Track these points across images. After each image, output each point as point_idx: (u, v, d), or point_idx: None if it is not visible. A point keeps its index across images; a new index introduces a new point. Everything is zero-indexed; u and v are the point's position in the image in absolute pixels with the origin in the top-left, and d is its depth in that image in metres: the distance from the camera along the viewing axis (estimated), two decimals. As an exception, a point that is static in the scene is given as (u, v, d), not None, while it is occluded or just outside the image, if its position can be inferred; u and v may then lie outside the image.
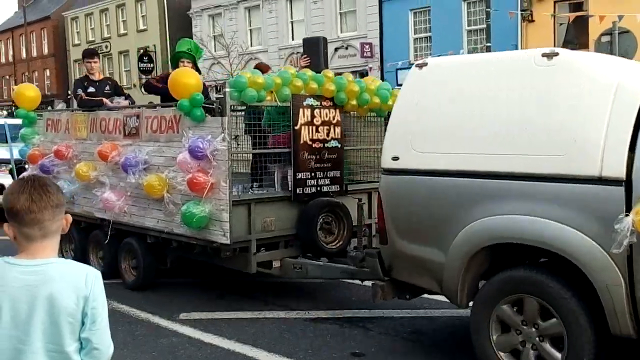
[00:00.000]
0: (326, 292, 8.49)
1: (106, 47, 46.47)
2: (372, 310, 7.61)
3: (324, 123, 8.00)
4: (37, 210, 2.54)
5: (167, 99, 8.17)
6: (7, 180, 14.98)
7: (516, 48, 29.72)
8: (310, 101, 7.87)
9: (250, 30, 38.28)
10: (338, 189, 8.20)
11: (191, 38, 40.14)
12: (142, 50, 41.15)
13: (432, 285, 5.93)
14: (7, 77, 57.11)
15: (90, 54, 9.89)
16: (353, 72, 36.02)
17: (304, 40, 8.60)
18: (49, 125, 10.18)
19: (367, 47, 33.24)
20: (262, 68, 9.47)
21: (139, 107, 8.93)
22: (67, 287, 2.57)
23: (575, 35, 29.02)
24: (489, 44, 25.53)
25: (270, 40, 37.08)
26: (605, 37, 19.70)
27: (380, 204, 6.21)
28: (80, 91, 9.45)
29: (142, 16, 43.48)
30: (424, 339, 6.78)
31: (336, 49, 34.20)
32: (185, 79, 7.58)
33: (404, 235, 6.02)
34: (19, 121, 16.60)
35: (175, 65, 8.86)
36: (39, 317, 2.53)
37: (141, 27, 43.56)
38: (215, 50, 38.73)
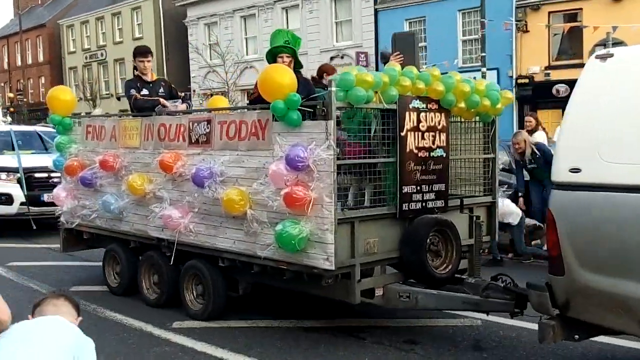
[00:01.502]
0: (319, 301, 7.22)
1: (102, 54, 44.49)
2: (366, 319, 7.07)
3: (429, 129, 6.51)
4: None
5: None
6: (14, 190, 13.27)
7: (511, 58, 28.70)
8: (416, 103, 6.39)
9: (246, 38, 36.71)
10: (442, 205, 6.70)
11: (186, 47, 38.65)
12: (137, 59, 39.20)
13: (633, 329, 4.47)
14: (2, 84, 54.67)
15: (143, 52, 8.28)
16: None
17: (395, 35, 7.12)
18: (89, 132, 8.55)
19: (362, 56, 32.00)
20: (328, 70, 7.96)
21: (209, 111, 7.33)
22: None
23: (570, 46, 28.05)
24: (483, 54, 24.42)
25: (266, 49, 35.30)
26: (599, 48, 18.63)
27: (552, 226, 4.75)
28: (133, 91, 7.86)
29: (138, 24, 41.56)
30: (418, 349, 6.22)
31: (332, 58, 32.90)
32: (279, 77, 6.05)
33: (589, 265, 4.56)
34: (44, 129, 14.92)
35: (272, 62, 7.27)
36: None
37: (137, 35, 41.63)
38: (210, 59, 37.11)
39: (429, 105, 6.48)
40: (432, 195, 6.57)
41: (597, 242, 4.51)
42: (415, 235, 6.31)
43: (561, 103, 21.38)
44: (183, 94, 9.07)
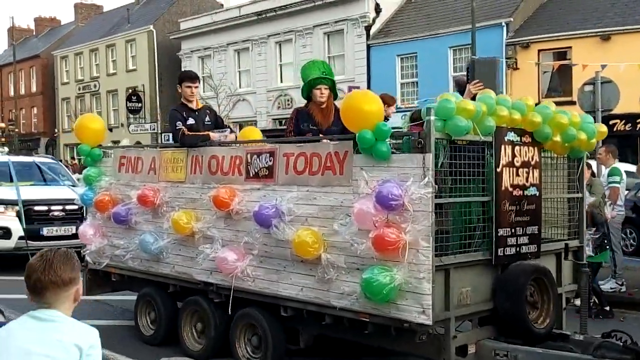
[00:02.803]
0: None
1: (95, 86, 43.18)
2: None
3: (523, 164, 5.60)
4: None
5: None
6: (12, 224, 12.06)
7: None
8: (511, 136, 5.49)
9: (239, 72, 35.76)
10: (535, 250, 5.76)
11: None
12: (130, 90, 38.07)
13: None
14: (-5, 114, 53.11)
15: (193, 77, 7.25)
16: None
17: (474, 60, 6.24)
18: (123, 164, 7.51)
19: (354, 90, 31.17)
20: (387, 100, 7.06)
21: (273, 142, 6.34)
22: None
23: (559, 84, 27.57)
24: None
25: (259, 83, 34.64)
26: (588, 86, 18.02)
27: None
28: (180, 124, 6.80)
29: (132, 56, 40.36)
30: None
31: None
32: (366, 105, 5.13)
33: None
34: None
35: (308, 95, 6.36)
36: None
37: (130, 67, 40.45)
38: (204, 91, 36.11)
39: (523, 139, 5.58)
40: (526, 239, 5.64)
41: None
42: (513, 284, 5.36)
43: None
44: (228, 124, 8.09)
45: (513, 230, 5.50)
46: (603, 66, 19.41)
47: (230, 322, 6.38)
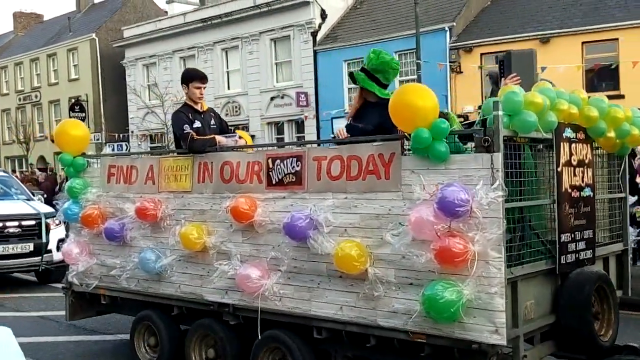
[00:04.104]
0: None
1: (36, 96, 40.93)
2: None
3: (579, 163, 4.99)
4: None
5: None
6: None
7: (446, 98, 27.98)
8: (568, 132, 4.87)
9: (186, 79, 34.52)
10: (591, 255, 5.16)
11: (124, 88, 36.07)
12: (73, 100, 36.20)
13: None
14: None
15: (203, 76, 6.38)
16: (289, 121, 33.22)
17: (511, 53, 5.55)
18: (113, 174, 6.58)
19: (302, 96, 30.59)
20: None
21: (300, 145, 5.52)
22: None
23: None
24: None
25: (206, 90, 33.48)
26: None
27: None
28: (188, 128, 5.94)
29: (74, 65, 38.37)
30: None
31: (272, 98, 31.34)
32: (420, 100, 4.40)
33: None
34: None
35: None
36: None
37: (73, 76, 38.44)
38: (149, 100, 34.79)
39: (578, 135, 4.97)
40: (583, 245, 5.03)
41: None
42: (579, 295, 4.73)
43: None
44: (233, 127, 7.25)
45: (573, 235, 4.89)
46: (543, 68, 19.40)
47: (249, 346, 5.54)
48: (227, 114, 32.57)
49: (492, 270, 4.18)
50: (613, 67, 22.30)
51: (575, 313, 4.69)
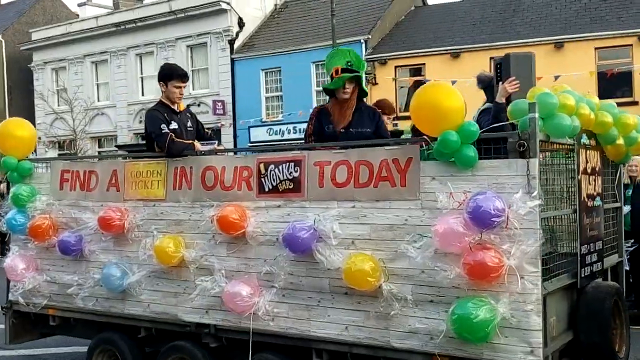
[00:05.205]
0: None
1: None
2: None
3: (592, 171, 4.68)
4: None
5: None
6: None
7: (362, 107, 27.98)
8: (584, 139, 4.54)
9: (97, 84, 32.83)
10: (600, 267, 4.85)
11: (32, 92, 33.85)
12: (-24, 104, 33.65)
13: None
14: None
15: (183, 74, 5.62)
16: (205, 129, 32.00)
17: (510, 56, 5.15)
18: (67, 180, 5.74)
19: (219, 104, 29.77)
20: (385, 107, 5.96)
21: (300, 148, 4.89)
22: None
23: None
24: None
25: (119, 96, 31.97)
26: None
27: None
28: (165, 128, 5.20)
29: (-22, 68, 35.79)
30: None
31: (189, 106, 29.95)
32: (446, 100, 3.94)
33: None
34: None
35: (330, 94, 5.02)
36: None
37: (-24, 79, 35.84)
38: (58, 105, 32.90)
39: (591, 142, 4.66)
40: (595, 256, 4.72)
41: None
42: (600, 309, 4.38)
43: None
44: (210, 130, 6.52)
45: (589, 247, 4.55)
46: (453, 82, 19.69)
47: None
48: (140, 121, 31.22)
49: (527, 285, 3.75)
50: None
51: (597, 329, 4.35)
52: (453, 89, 4.04)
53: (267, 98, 29.51)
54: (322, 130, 4.84)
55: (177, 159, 5.10)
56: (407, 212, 4.11)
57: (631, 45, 22.54)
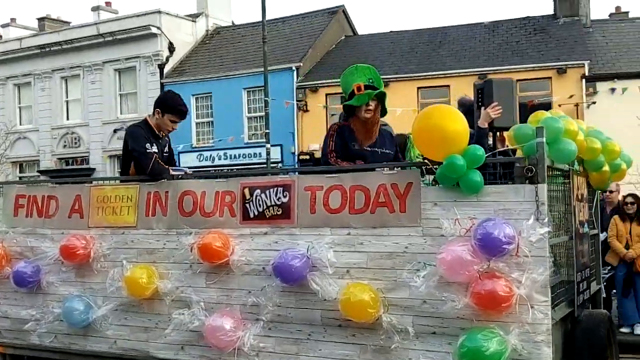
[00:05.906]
0: None
1: None
2: None
3: (581, 198, 4.60)
4: None
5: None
6: None
7: (293, 135, 27.83)
8: (576, 165, 4.46)
9: (20, 107, 31.32)
10: (589, 296, 4.76)
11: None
12: None
13: None
14: None
15: (182, 112, 5.14)
16: (132, 153, 30.91)
17: (492, 81, 5.05)
18: (22, 206, 5.21)
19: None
20: None
21: (289, 172, 4.56)
22: None
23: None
24: (267, 131, 23.17)
25: (42, 120, 30.58)
26: None
27: None
28: (150, 148, 4.76)
29: None
30: None
31: (115, 130, 29.14)
32: (451, 123, 3.75)
33: None
34: None
35: (349, 112, 4.69)
36: None
37: None
38: (-23, 128, 31.10)
39: (579, 168, 4.59)
40: (585, 284, 4.61)
41: None
42: (596, 337, 4.26)
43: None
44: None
45: (582, 275, 4.45)
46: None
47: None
48: (65, 146, 29.99)
49: (537, 315, 3.58)
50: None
51: (593, 358, 4.21)
52: (456, 111, 3.86)
53: (197, 124, 28.89)
54: (345, 147, 4.51)
55: (151, 183, 4.69)
56: (407, 239, 3.88)
57: (550, 77, 23.43)
